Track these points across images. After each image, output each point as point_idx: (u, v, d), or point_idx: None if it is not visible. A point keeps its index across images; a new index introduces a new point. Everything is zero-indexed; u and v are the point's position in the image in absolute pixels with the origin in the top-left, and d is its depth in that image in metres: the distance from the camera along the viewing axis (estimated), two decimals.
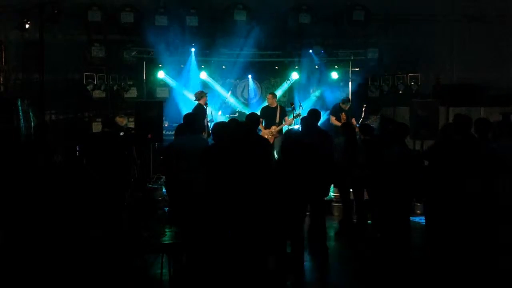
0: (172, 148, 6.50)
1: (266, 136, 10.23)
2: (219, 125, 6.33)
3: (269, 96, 10.73)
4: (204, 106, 10.05)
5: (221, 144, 5.67)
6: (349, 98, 11.09)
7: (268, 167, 5.65)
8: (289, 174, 5.22)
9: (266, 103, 11.00)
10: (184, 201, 5.83)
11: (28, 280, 4.96)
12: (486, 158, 5.49)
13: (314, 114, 7.33)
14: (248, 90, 12.71)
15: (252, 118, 6.59)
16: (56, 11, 9.22)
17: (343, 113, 10.45)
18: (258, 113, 10.84)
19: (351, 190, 7.46)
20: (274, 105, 10.55)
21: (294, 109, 10.42)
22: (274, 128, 10.33)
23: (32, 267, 5.02)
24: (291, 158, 5.31)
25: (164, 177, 8.66)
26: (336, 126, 10.17)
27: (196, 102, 10.12)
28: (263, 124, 10.47)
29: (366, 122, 9.46)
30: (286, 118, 10.47)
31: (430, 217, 6.00)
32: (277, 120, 10.38)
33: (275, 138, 10.21)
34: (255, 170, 5.29)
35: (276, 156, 9.56)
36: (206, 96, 10.31)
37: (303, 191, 5.29)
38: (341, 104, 10.67)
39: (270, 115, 10.47)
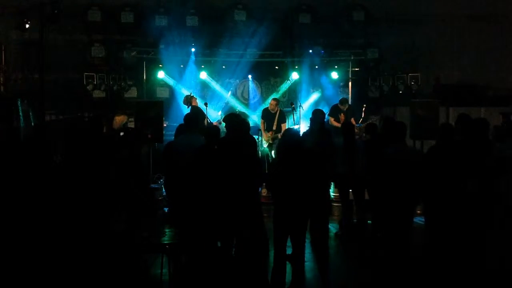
0: (170, 147, 6.50)
1: (265, 138, 10.24)
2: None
3: (272, 101, 10.56)
4: (204, 106, 10.05)
5: (213, 144, 5.68)
6: (346, 99, 11.09)
7: (257, 167, 5.65)
8: (286, 174, 5.21)
9: (267, 104, 10.98)
10: (183, 200, 5.82)
11: (28, 280, 4.96)
12: (491, 159, 5.49)
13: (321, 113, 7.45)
14: (248, 90, 12.71)
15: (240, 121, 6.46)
16: (56, 11, 9.21)
17: (342, 114, 10.44)
18: (260, 113, 10.95)
19: (350, 190, 7.46)
20: (275, 111, 10.46)
21: (294, 109, 10.41)
22: (270, 134, 10.30)
23: (32, 267, 5.02)
24: (287, 160, 5.29)
25: (164, 177, 8.65)
26: (335, 127, 10.15)
27: (189, 107, 10.12)
28: (265, 126, 10.46)
29: (370, 122, 9.44)
30: (284, 125, 10.34)
31: (430, 218, 6.00)
32: (274, 127, 10.31)
33: (269, 142, 10.22)
34: (245, 170, 5.28)
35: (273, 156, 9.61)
36: (195, 97, 10.34)
37: (303, 193, 5.27)
38: (339, 105, 10.67)
39: (269, 120, 10.43)
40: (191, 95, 10.42)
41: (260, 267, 5.44)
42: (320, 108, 9.29)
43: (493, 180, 5.46)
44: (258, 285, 5.37)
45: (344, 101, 10.73)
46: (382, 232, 6.34)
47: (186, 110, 10.12)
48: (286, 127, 10.19)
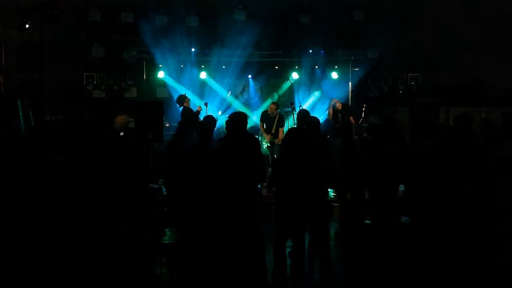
0: (172, 148, 6.50)
1: (267, 139, 10.20)
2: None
3: (272, 105, 10.36)
4: (204, 106, 10.05)
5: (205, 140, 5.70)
6: (337, 100, 11.05)
7: (261, 164, 5.67)
8: (289, 169, 5.24)
9: (267, 104, 10.95)
10: (183, 200, 5.83)
11: (28, 280, 4.96)
12: (490, 159, 5.49)
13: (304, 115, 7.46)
14: (248, 90, 12.72)
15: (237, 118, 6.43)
16: (56, 11, 9.22)
17: (339, 114, 10.44)
18: (259, 113, 10.92)
19: (349, 190, 7.46)
20: (274, 114, 10.40)
21: (294, 109, 10.40)
22: (269, 137, 10.27)
23: (32, 267, 5.02)
24: (291, 153, 5.33)
25: (164, 177, 8.65)
26: (334, 128, 10.14)
27: (181, 107, 10.12)
28: (264, 128, 10.42)
29: (371, 122, 9.45)
30: (281, 129, 10.20)
31: (428, 217, 6.00)
32: (273, 130, 10.27)
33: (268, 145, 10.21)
34: (246, 168, 5.29)
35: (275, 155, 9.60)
36: (188, 97, 10.35)
37: (304, 189, 5.29)
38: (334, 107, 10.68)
39: (269, 123, 10.37)
40: (185, 95, 10.42)
41: (259, 266, 5.44)
42: (318, 107, 9.27)
43: (493, 180, 5.46)
44: (258, 285, 5.37)
45: (337, 102, 10.73)
46: (381, 231, 6.34)
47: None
48: (285, 131, 10.16)
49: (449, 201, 5.53)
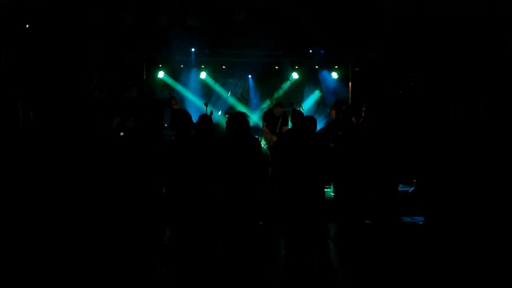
0: (174, 147, 6.50)
1: (273, 138, 10.20)
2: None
3: (279, 108, 10.32)
4: (204, 106, 10.07)
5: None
6: (340, 100, 11.03)
7: (258, 165, 5.67)
8: (286, 170, 5.25)
9: (268, 104, 10.94)
10: (182, 200, 5.83)
11: (29, 279, 4.96)
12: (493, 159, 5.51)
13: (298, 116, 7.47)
14: (248, 90, 12.72)
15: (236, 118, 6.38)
16: (55, 12, 9.23)
17: (340, 114, 10.43)
18: (260, 113, 10.93)
19: (349, 190, 7.46)
20: (278, 114, 10.39)
21: (294, 109, 10.41)
22: (274, 137, 10.27)
23: (32, 266, 5.02)
24: (285, 151, 5.35)
25: (164, 176, 8.64)
26: (337, 128, 10.12)
27: (169, 109, 10.14)
28: (267, 127, 10.42)
29: (370, 122, 9.43)
30: (285, 128, 10.25)
31: (431, 217, 6.01)
32: (277, 130, 10.29)
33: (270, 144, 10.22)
34: (246, 167, 5.31)
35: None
36: (175, 100, 10.39)
37: (301, 189, 5.30)
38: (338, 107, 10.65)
39: (272, 122, 10.37)
40: (172, 97, 10.42)
41: (257, 265, 5.45)
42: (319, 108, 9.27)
43: (494, 181, 5.48)
44: (256, 282, 5.38)
45: (339, 103, 10.74)
46: (381, 231, 6.36)
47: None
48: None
49: (450, 201, 5.54)
